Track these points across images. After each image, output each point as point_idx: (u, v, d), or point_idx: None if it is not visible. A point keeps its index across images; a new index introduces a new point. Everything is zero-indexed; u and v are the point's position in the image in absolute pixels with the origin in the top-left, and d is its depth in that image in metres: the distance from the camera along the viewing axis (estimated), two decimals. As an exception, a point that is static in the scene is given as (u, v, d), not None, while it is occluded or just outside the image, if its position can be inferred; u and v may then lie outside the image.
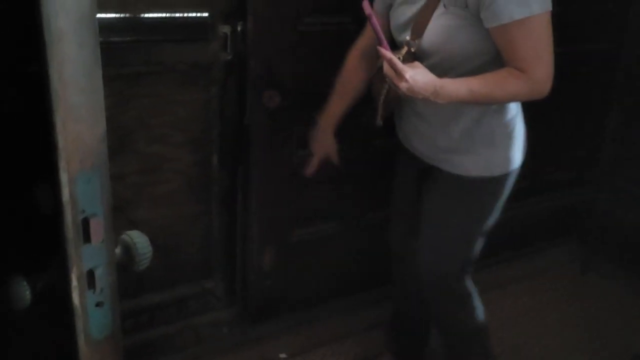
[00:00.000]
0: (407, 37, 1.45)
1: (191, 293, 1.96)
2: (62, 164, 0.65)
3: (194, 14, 1.64)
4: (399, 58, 1.37)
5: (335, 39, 1.76)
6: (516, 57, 1.35)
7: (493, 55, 1.41)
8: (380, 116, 1.57)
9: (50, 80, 0.60)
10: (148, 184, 1.76)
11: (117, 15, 1.50)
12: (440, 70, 1.39)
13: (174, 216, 1.84)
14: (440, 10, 1.39)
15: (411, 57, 1.42)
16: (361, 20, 1.79)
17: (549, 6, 1.33)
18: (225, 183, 1.88)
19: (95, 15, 0.58)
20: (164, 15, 1.59)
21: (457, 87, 1.34)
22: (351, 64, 1.67)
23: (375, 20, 1.31)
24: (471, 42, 1.39)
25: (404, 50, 1.44)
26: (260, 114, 1.76)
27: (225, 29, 1.69)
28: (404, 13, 1.48)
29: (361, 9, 1.30)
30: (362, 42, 1.66)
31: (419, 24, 1.42)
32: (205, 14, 1.65)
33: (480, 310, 1.75)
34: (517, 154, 1.58)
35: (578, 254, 2.69)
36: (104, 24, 1.49)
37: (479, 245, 1.67)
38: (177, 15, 1.61)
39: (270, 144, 1.82)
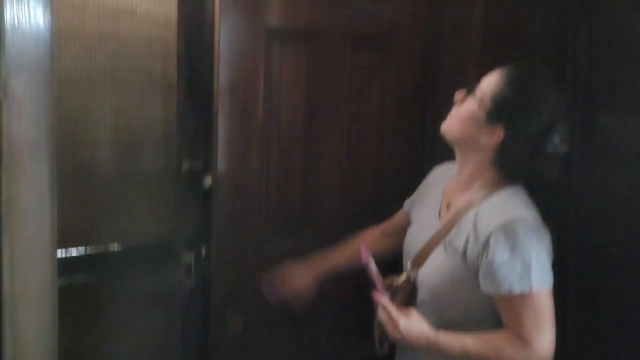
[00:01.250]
0: (409, 265, 1.40)
1: None
2: None
3: (157, 243, 1.69)
4: (396, 285, 1.34)
5: (297, 260, 1.80)
6: (515, 326, 1.26)
7: (489, 311, 1.31)
8: (380, 343, 1.45)
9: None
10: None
11: (81, 254, 1.54)
12: (432, 308, 1.34)
13: None
14: (440, 249, 1.34)
15: (409, 287, 1.38)
16: (321, 242, 1.86)
17: (550, 283, 1.26)
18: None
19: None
20: (127, 248, 1.63)
21: (451, 344, 1.28)
22: (368, 234, 1.68)
23: (372, 268, 1.29)
24: (465, 294, 1.32)
25: (404, 278, 1.39)
26: (224, 339, 1.73)
27: (189, 257, 1.72)
28: (415, 236, 1.45)
29: (359, 257, 1.30)
30: (386, 225, 1.67)
31: (421, 254, 1.38)
32: (169, 243, 1.71)
33: None
34: None
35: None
36: (68, 262, 1.52)
37: None
38: (142, 247, 1.66)
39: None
